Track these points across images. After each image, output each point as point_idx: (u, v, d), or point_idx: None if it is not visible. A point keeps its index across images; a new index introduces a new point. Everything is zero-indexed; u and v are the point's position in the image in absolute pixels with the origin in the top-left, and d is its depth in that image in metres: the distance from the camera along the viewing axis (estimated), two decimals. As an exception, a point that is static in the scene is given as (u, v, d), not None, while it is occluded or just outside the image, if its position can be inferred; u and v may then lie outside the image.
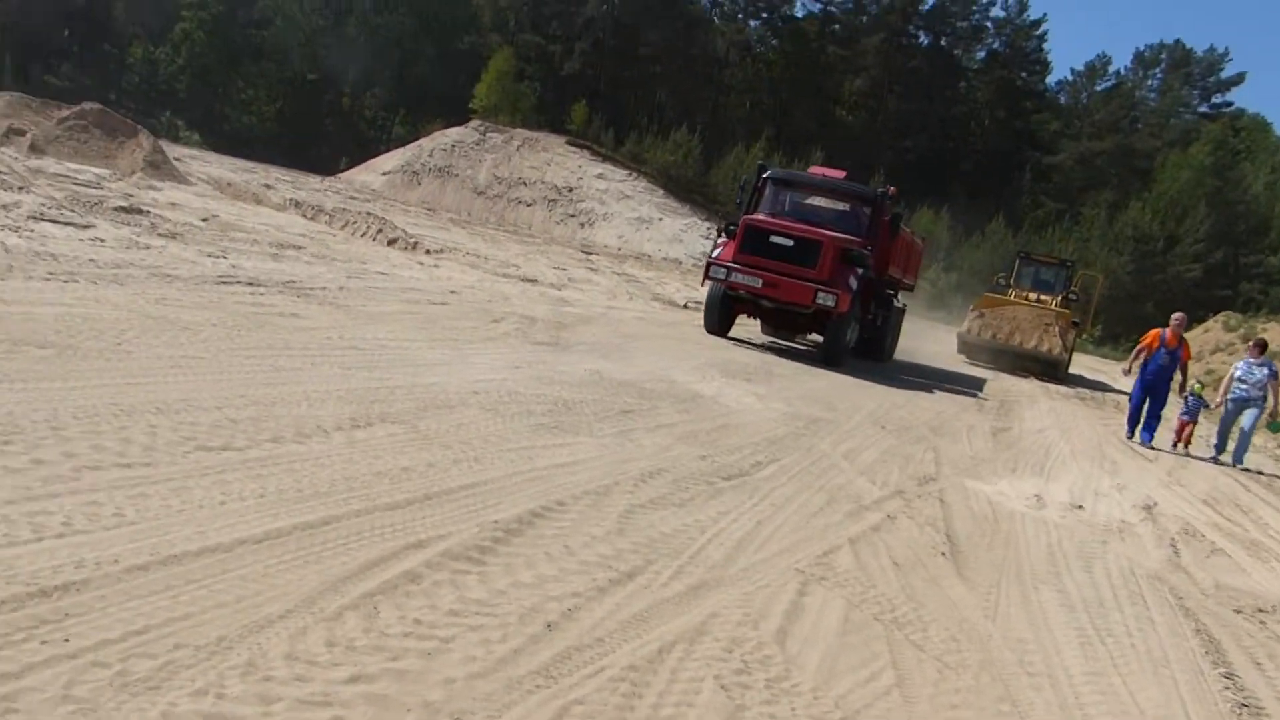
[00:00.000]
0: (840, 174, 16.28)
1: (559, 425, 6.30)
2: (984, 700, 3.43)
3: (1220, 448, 12.11)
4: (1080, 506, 7.41)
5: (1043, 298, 22.88)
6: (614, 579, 3.81)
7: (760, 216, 14.43)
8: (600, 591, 3.64)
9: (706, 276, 14.20)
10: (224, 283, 8.75)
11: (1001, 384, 17.75)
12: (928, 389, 14.10)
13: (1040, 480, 8.29)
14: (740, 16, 67.94)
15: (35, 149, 17.19)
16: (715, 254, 14.44)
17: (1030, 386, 18.28)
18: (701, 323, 15.10)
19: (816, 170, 17.11)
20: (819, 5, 67.75)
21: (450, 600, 3.27)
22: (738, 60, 67.61)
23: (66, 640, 2.55)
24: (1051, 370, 20.45)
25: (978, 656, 3.83)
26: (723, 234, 14.82)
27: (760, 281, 13.49)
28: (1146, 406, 12.40)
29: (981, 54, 67.60)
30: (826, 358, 14.18)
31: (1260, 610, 5.40)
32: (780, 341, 16.74)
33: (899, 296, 18.42)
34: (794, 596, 4.07)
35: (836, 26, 67.65)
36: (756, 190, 15.42)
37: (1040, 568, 5.43)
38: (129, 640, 2.62)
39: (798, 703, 3.10)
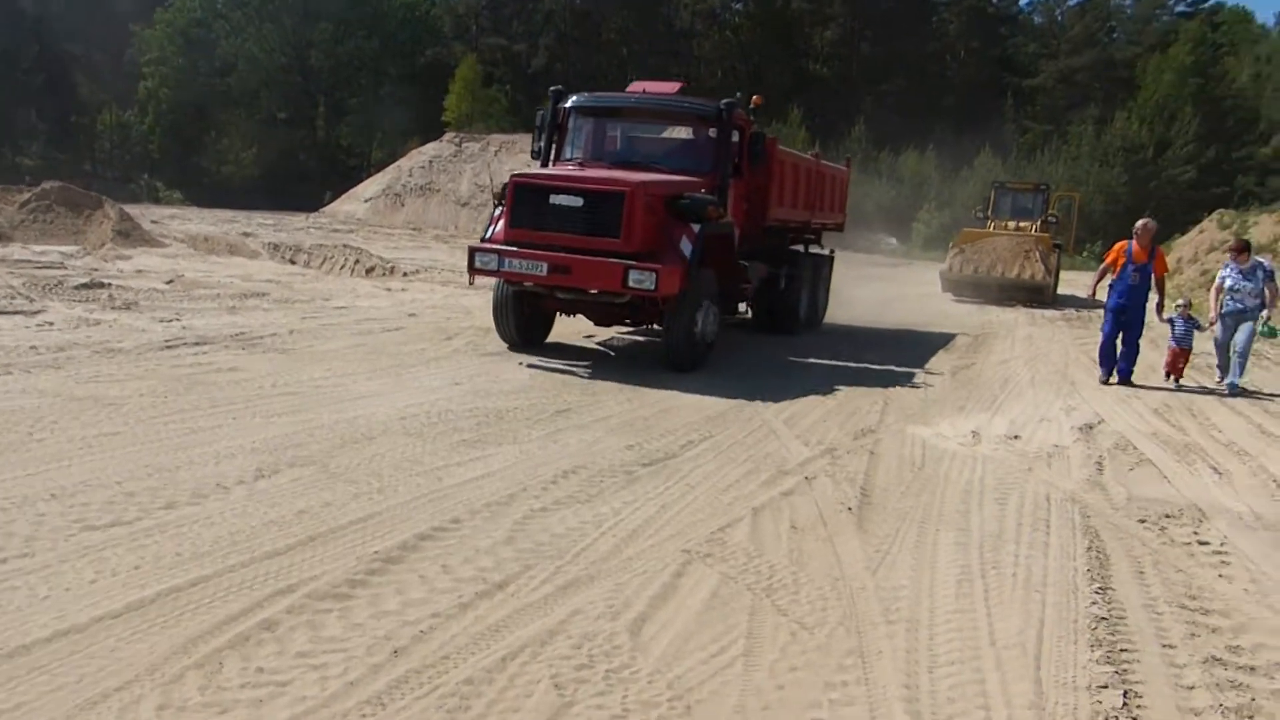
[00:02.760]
0: (672, 88, 11.58)
1: (482, 439, 6.44)
2: (829, 658, 3.55)
3: (1230, 374, 10.23)
4: (1016, 437, 7.48)
5: (1021, 225, 22.78)
6: (481, 592, 3.95)
7: (534, 171, 10.39)
8: (462, 608, 3.78)
9: (472, 270, 9.59)
10: (169, 347, 8.95)
11: (985, 317, 17.70)
12: (895, 337, 14.11)
13: (986, 415, 8.35)
14: (702, -15, 67.35)
15: (1, 237, 17.53)
16: (487, 235, 9.88)
17: (1014, 315, 18.24)
18: None
19: (636, 87, 11.82)
20: (781, -40, 67.06)
21: (301, 642, 3.41)
22: (704, 30, 67.28)
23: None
24: (1037, 296, 20.41)
25: (840, 613, 3.95)
26: (499, 203, 9.93)
27: (545, 267, 9.03)
28: (1121, 337, 10.46)
29: (950, -15, 66.80)
30: (671, 360, 9.60)
31: (1166, 516, 5.49)
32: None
33: (821, 242, 14.75)
34: (669, 579, 4.20)
35: (801, -22, 66.99)
36: (557, 129, 10.97)
37: (950, 509, 5.51)
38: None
39: (630, 689, 3.23)
